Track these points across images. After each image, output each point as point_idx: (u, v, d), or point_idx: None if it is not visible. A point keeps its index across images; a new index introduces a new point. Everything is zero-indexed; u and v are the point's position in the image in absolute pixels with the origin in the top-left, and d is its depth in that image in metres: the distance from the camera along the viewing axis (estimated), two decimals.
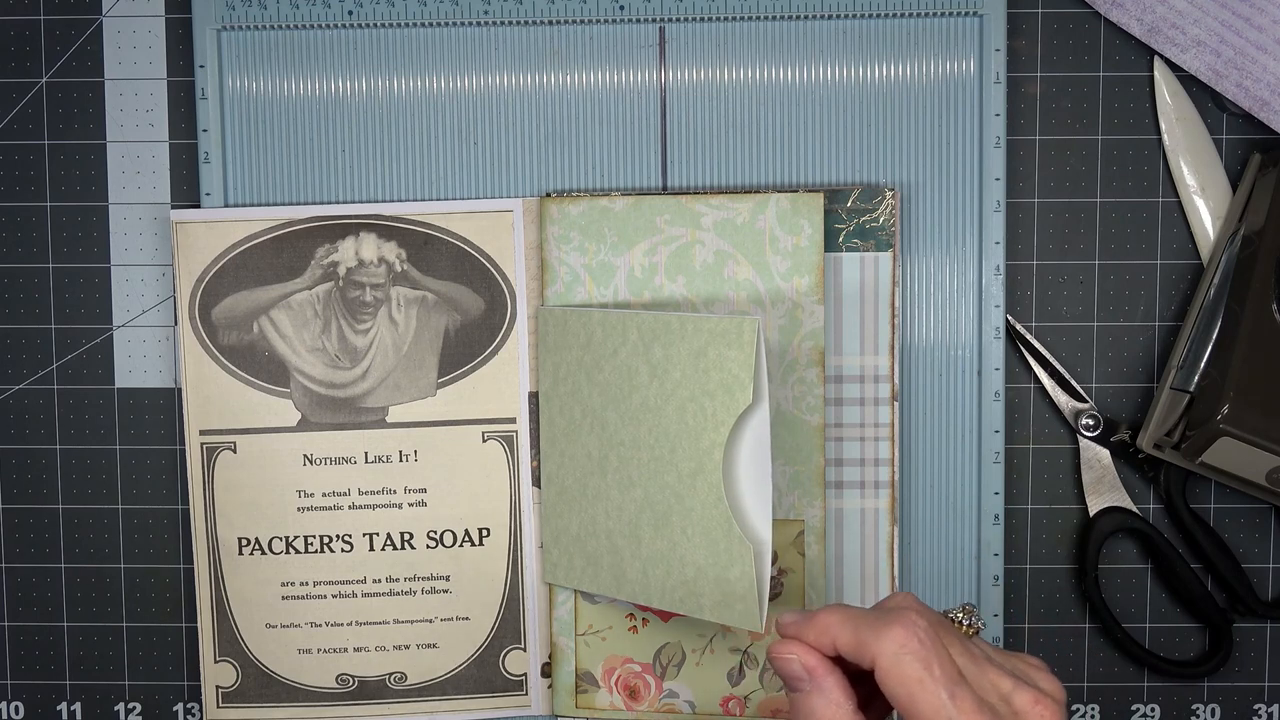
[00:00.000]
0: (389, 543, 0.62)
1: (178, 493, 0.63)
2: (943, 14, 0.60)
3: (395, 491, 0.61)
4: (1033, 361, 0.62)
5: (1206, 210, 0.61)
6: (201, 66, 0.61)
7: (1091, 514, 0.62)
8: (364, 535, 0.62)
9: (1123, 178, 0.62)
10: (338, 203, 0.61)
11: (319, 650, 0.62)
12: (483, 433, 0.61)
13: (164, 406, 0.63)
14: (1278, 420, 0.55)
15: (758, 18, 0.60)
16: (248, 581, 0.62)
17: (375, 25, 0.61)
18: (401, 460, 0.61)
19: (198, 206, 0.62)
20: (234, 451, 0.61)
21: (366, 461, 0.61)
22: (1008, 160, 0.61)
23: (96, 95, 0.63)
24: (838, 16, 0.60)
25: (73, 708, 0.64)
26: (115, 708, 0.64)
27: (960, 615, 0.45)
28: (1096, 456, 0.62)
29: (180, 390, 0.62)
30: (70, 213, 0.63)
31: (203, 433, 0.61)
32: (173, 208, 0.63)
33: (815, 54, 0.61)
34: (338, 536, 0.61)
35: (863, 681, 0.44)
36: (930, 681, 0.40)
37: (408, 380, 0.61)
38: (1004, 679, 0.42)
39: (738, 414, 0.53)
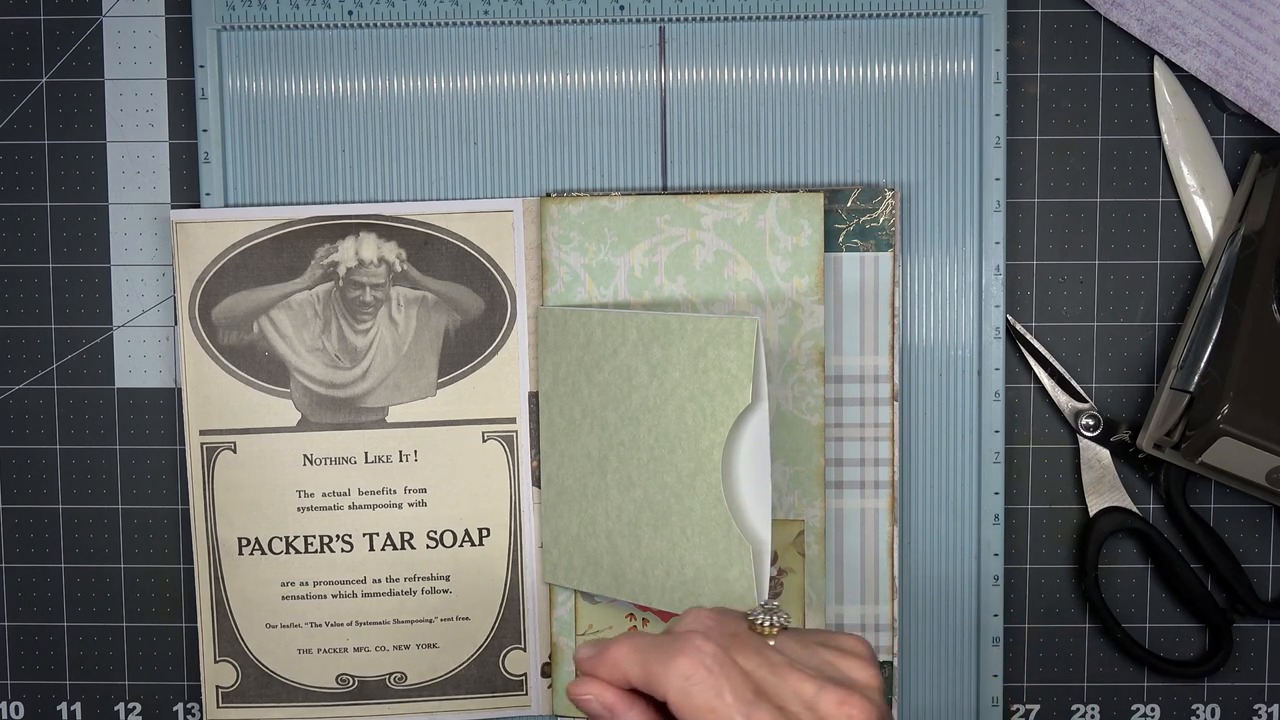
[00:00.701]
0: (389, 543, 0.62)
1: (178, 493, 0.63)
2: (943, 14, 0.60)
3: (395, 491, 0.61)
4: (1033, 361, 0.62)
5: (1206, 210, 0.61)
6: (201, 66, 0.61)
7: (1091, 514, 0.62)
8: (364, 535, 0.62)
9: (1123, 178, 0.62)
10: (338, 203, 0.61)
11: (319, 650, 0.62)
12: (483, 433, 0.61)
13: (164, 406, 0.63)
14: (1278, 420, 0.55)
15: (758, 18, 0.60)
16: (248, 581, 0.62)
17: (375, 25, 0.61)
18: (401, 460, 0.61)
19: (198, 206, 0.62)
20: (234, 451, 0.61)
21: (366, 461, 0.61)
22: (1008, 160, 0.61)
23: (96, 95, 0.63)
24: (838, 16, 0.60)
25: (73, 708, 0.64)
26: (115, 708, 0.64)
27: (761, 616, 0.43)
28: (1096, 456, 0.62)
29: (180, 390, 0.62)
30: (70, 213, 0.63)
31: (203, 433, 0.61)
32: (173, 208, 0.63)
33: (815, 54, 0.60)
34: (338, 536, 0.61)
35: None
36: (723, 708, 0.39)
37: (408, 380, 0.61)
38: (807, 683, 0.41)
39: (737, 414, 0.53)
